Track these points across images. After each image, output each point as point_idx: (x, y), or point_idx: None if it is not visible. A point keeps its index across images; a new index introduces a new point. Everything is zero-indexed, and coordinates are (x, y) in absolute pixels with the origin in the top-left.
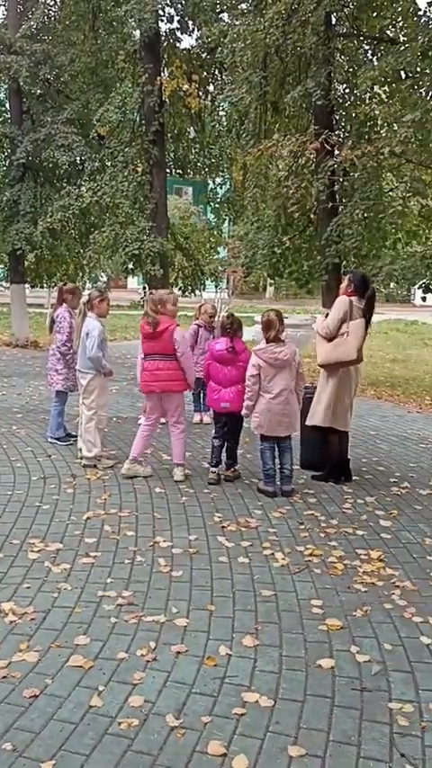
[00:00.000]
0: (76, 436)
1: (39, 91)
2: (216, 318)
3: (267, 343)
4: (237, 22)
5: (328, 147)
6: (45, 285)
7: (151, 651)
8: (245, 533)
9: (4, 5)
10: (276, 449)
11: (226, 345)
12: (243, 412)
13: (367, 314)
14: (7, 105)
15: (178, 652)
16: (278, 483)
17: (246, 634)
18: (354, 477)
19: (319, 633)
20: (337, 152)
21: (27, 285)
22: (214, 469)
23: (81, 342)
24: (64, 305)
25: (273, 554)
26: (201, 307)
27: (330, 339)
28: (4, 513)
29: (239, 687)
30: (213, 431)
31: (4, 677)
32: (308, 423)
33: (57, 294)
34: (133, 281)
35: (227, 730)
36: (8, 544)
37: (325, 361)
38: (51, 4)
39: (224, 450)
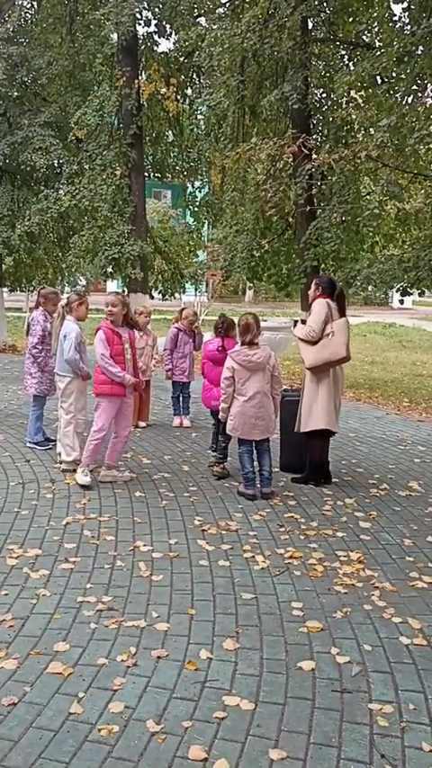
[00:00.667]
0: (55, 441)
1: (15, 93)
2: (198, 323)
3: (242, 345)
4: (214, 27)
5: (305, 151)
6: (24, 289)
7: (132, 656)
8: (225, 536)
9: None
10: (255, 452)
11: (217, 345)
12: (220, 415)
13: (343, 313)
14: None
15: (159, 657)
16: (258, 485)
17: (226, 638)
18: (333, 480)
19: (299, 635)
20: (314, 156)
21: (5, 289)
22: (221, 464)
23: (59, 345)
24: (40, 308)
25: (253, 557)
26: (182, 311)
27: (315, 342)
28: None
29: (220, 691)
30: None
31: None
32: (303, 430)
33: (35, 298)
34: (112, 285)
35: (208, 734)
36: None
37: (313, 364)
38: (28, 6)
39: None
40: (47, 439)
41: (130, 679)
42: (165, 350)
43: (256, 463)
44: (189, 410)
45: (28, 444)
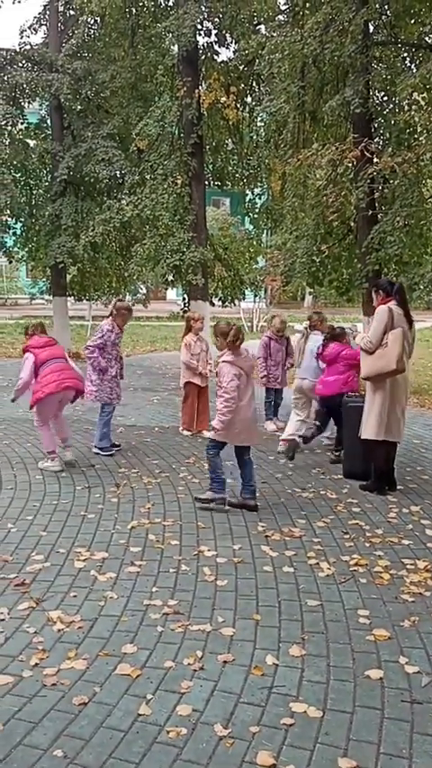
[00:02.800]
0: (119, 446)
1: (79, 107)
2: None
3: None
4: (274, 34)
5: (367, 155)
6: (90, 298)
7: (198, 660)
8: (289, 543)
9: (46, 25)
10: (237, 462)
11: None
12: (217, 425)
13: (408, 316)
14: (49, 122)
15: (225, 661)
16: (242, 496)
17: (292, 644)
18: (398, 487)
19: (366, 644)
20: (376, 160)
21: (70, 298)
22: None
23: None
24: (110, 318)
25: (318, 563)
26: (272, 318)
27: (373, 351)
28: (50, 522)
29: (287, 697)
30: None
31: (54, 684)
32: (362, 437)
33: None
34: (172, 293)
35: (276, 741)
36: (55, 553)
37: (367, 374)
38: (92, 22)
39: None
40: (112, 445)
41: (197, 682)
42: (258, 358)
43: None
44: (278, 414)
45: (93, 450)
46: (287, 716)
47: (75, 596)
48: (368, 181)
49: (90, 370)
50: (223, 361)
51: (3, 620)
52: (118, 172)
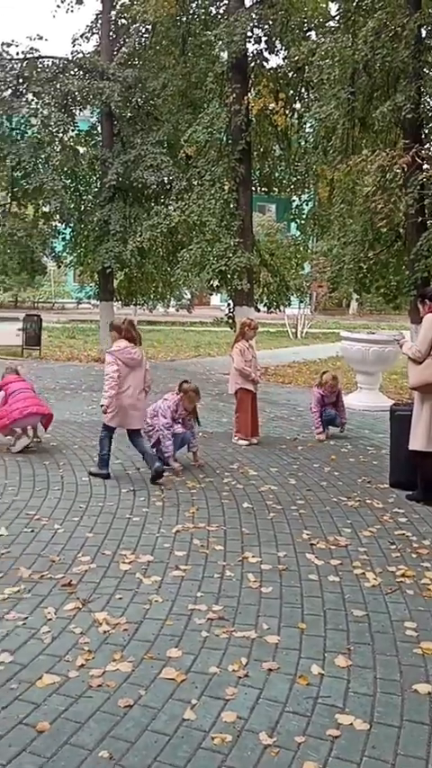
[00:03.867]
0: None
1: (129, 114)
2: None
3: (127, 344)
4: (325, 40)
5: (418, 161)
6: (136, 303)
7: (243, 667)
8: (334, 551)
9: (98, 34)
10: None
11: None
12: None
13: None
14: (99, 129)
15: (270, 669)
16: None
17: (338, 654)
18: None
19: (414, 657)
20: (427, 166)
21: (117, 303)
22: None
23: None
24: (177, 396)
25: (363, 573)
26: (322, 375)
27: (421, 361)
28: (96, 524)
29: (333, 708)
30: None
31: (99, 686)
32: (410, 447)
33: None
34: (216, 299)
35: (322, 752)
36: (101, 554)
37: (415, 384)
38: (143, 31)
39: None
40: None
41: (241, 689)
42: (313, 412)
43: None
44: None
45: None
46: (333, 727)
47: (120, 598)
48: (418, 187)
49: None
50: (108, 352)
51: (50, 619)
52: (166, 178)
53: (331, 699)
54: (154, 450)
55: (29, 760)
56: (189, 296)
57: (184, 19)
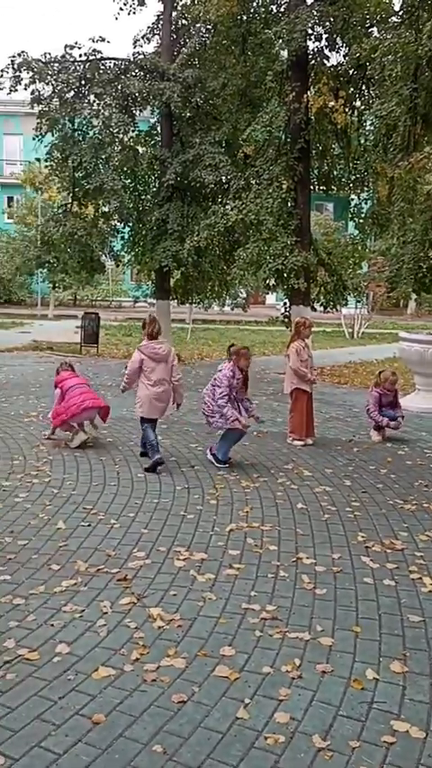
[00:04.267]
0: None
1: (188, 114)
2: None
3: (149, 340)
4: (387, 36)
5: None
6: (192, 302)
7: (296, 668)
8: (390, 555)
9: (158, 34)
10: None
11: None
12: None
13: None
14: (158, 129)
15: (324, 672)
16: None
17: (393, 660)
18: None
19: None
20: None
21: (173, 302)
22: None
23: None
24: (230, 362)
25: (420, 578)
26: (380, 374)
27: None
28: (151, 520)
29: (388, 714)
30: None
31: (154, 680)
32: None
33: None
34: (272, 297)
35: (376, 758)
36: (155, 551)
37: None
38: (204, 31)
39: None
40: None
41: (295, 691)
42: (369, 410)
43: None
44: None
45: (208, 455)
46: (388, 734)
47: (174, 595)
48: None
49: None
50: (137, 348)
51: (105, 613)
52: (224, 177)
53: (386, 705)
54: None
55: (84, 751)
56: (244, 295)
57: (245, 18)
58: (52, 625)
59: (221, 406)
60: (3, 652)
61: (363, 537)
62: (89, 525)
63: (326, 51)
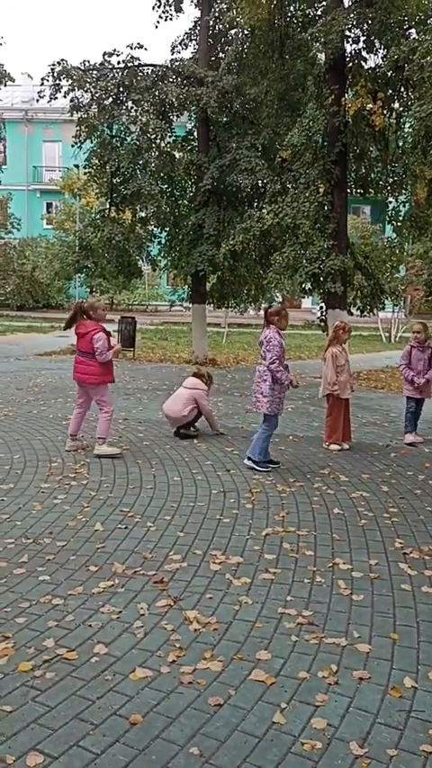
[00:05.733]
0: (278, 463)
1: (225, 119)
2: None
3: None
4: (426, 38)
5: None
6: (228, 306)
7: (333, 674)
8: (428, 562)
9: (195, 40)
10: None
11: None
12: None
13: None
14: (195, 134)
15: (361, 678)
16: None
17: None
18: None
19: None
20: None
21: (209, 306)
22: None
23: None
24: (272, 326)
25: None
26: (413, 326)
27: None
28: (187, 523)
29: (427, 723)
30: None
31: (190, 683)
32: None
33: (264, 316)
34: (307, 301)
35: (414, 767)
36: (191, 554)
37: None
38: (241, 36)
39: None
40: (270, 461)
41: (332, 697)
42: (400, 365)
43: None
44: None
45: (246, 462)
46: (427, 743)
47: (210, 598)
48: None
49: (268, 383)
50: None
51: (142, 615)
52: (260, 181)
53: (425, 713)
54: None
55: (121, 751)
56: (280, 298)
57: (282, 22)
58: (90, 626)
59: (275, 371)
60: (42, 651)
61: (400, 543)
62: (126, 528)
63: (363, 53)
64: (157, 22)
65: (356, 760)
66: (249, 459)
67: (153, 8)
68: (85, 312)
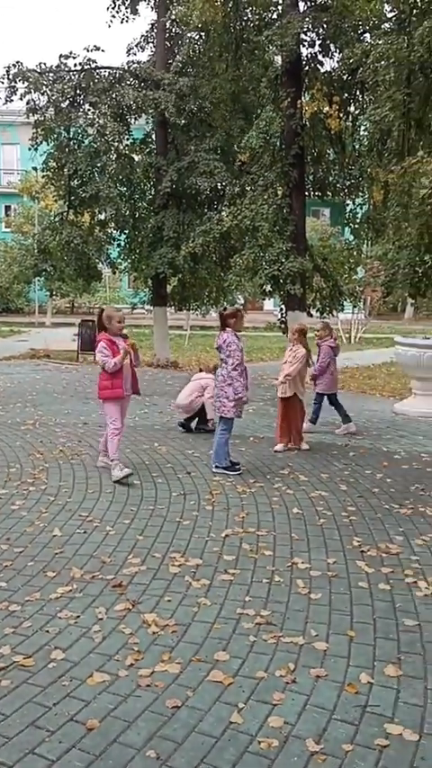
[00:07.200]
0: (238, 464)
1: (183, 122)
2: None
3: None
4: (380, 42)
5: None
6: (189, 308)
7: (290, 673)
8: (385, 559)
9: (152, 43)
10: None
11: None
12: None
13: None
14: (153, 137)
15: (318, 676)
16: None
17: (388, 663)
18: None
19: None
20: None
21: (170, 308)
22: None
23: None
24: (229, 329)
25: (416, 582)
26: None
27: None
28: (146, 527)
29: (382, 718)
30: None
31: (148, 685)
32: None
33: (219, 320)
34: (269, 303)
35: (369, 761)
36: (150, 557)
37: None
38: (197, 38)
39: None
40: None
41: (289, 695)
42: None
43: None
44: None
45: (213, 468)
46: (382, 737)
47: (169, 600)
48: None
49: (233, 387)
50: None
51: (101, 619)
52: (219, 184)
53: (380, 708)
54: None
55: (78, 757)
56: (242, 301)
57: (237, 25)
58: (47, 631)
59: (235, 378)
60: None
61: (358, 541)
62: (85, 532)
63: (319, 57)
64: (110, 21)
65: (312, 756)
66: (217, 467)
67: (107, 9)
68: (101, 323)
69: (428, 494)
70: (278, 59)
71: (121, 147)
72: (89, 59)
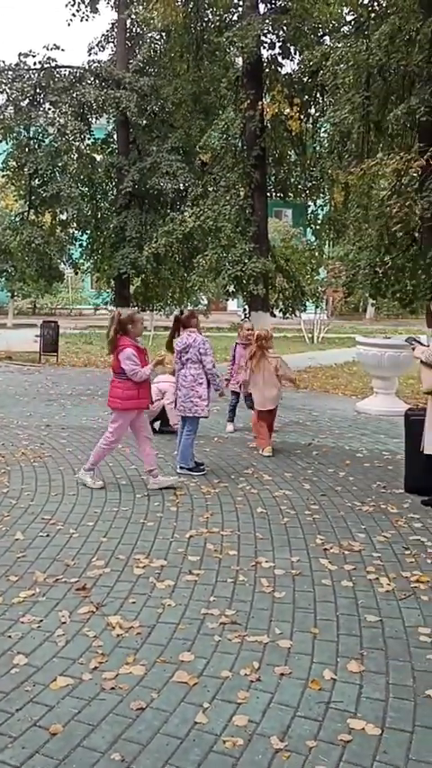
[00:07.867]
0: (202, 465)
1: (145, 122)
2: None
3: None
4: (339, 45)
5: None
6: (152, 309)
7: (255, 671)
8: (348, 556)
9: (113, 42)
10: None
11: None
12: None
13: None
14: (115, 137)
15: (282, 674)
16: None
17: (351, 659)
18: None
19: (427, 662)
20: None
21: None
22: None
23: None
24: (193, 330)
25: (377, 579)
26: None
27: None
28: (110, 528)
29: (345, 713)
30: None
31: (113, 688)
32: (425, 451)
33: (174, 323)
34: (233, 304)
35: (333, 756)
36: (114, 559)
37: (429, 388)
38: (158, 38)
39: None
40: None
41: (253, 694)
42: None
43: None
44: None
45: (178, 469)
46: (345, 732)
47: (134, 602)
48: None
49: (204, 386)
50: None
51: (64, 623)
52: (182, 184)
53: (343, 704)
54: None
55: (41, 762)
56: (206, 301)
57: (198, 26)
58: (10, 636)
59: (216, 375)
60: None
61: (321, 539)
62: (48, 535)
63: (280, 59)
64: (70, 20)
65: (277, 753)
66: (182, 467)
67: (66, 6)
68: (123, 326)
69: (390, 491)
70: (239, 61)
71: (83, 147)
72: (49, 58)
